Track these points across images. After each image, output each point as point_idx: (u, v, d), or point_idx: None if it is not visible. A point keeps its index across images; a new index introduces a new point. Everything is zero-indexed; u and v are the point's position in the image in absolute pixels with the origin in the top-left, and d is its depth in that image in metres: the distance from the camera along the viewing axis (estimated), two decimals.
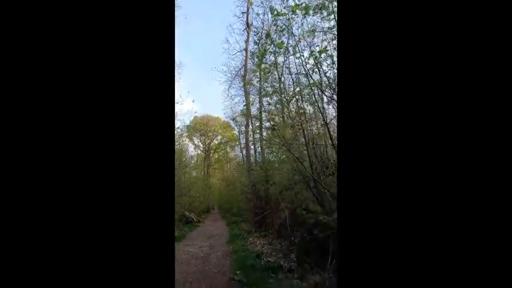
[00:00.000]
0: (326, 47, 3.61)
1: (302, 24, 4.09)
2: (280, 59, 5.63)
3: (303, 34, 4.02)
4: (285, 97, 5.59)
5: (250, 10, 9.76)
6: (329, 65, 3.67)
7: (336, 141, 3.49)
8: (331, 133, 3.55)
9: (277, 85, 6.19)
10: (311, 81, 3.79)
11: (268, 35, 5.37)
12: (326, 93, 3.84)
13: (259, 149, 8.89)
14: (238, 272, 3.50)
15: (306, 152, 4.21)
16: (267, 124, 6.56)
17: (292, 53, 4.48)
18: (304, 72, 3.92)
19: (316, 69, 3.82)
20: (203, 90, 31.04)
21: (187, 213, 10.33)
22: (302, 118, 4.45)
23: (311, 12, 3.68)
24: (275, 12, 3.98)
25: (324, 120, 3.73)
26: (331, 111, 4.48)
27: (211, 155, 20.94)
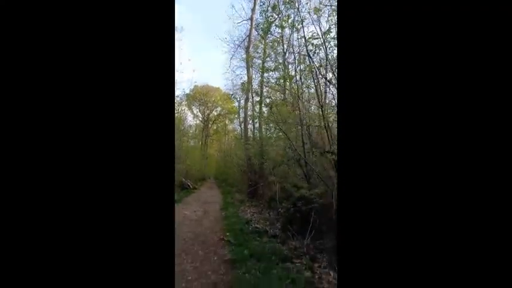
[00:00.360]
0: (330, 28, 3.58)
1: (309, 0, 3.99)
2: (285, 34, 5.52)
3: (309, 11, 3.94)
4: (286, 74, 5.58)
5: None
6: (331, 47, 3.68)
7: (328, 123, 3.66)
8: (325, 115, 3.70)
9: (281, 61, 6.13)
10: (311, 63, 3.82)
11: (275, 7, 5.17)
12: (326, 76, 3.90)
13: (257, 124, 9.02)
14: (228, 234, 3.91)
15: (300, 131, 4.39)
16: (267, 100, 6.62)
17: (296, 29, 4.42)
18: (305, 52, 3.92)
19: (318, 50, 3.83)
20: (203, 58, 29.88)
21: (184, 179, 10.82)
22: (300, 98, 4.54)
23: None
24: None
25: (319, 102, 3.84)
26: (329, 94, 4.56)
27: (210, 125, 21.04)
